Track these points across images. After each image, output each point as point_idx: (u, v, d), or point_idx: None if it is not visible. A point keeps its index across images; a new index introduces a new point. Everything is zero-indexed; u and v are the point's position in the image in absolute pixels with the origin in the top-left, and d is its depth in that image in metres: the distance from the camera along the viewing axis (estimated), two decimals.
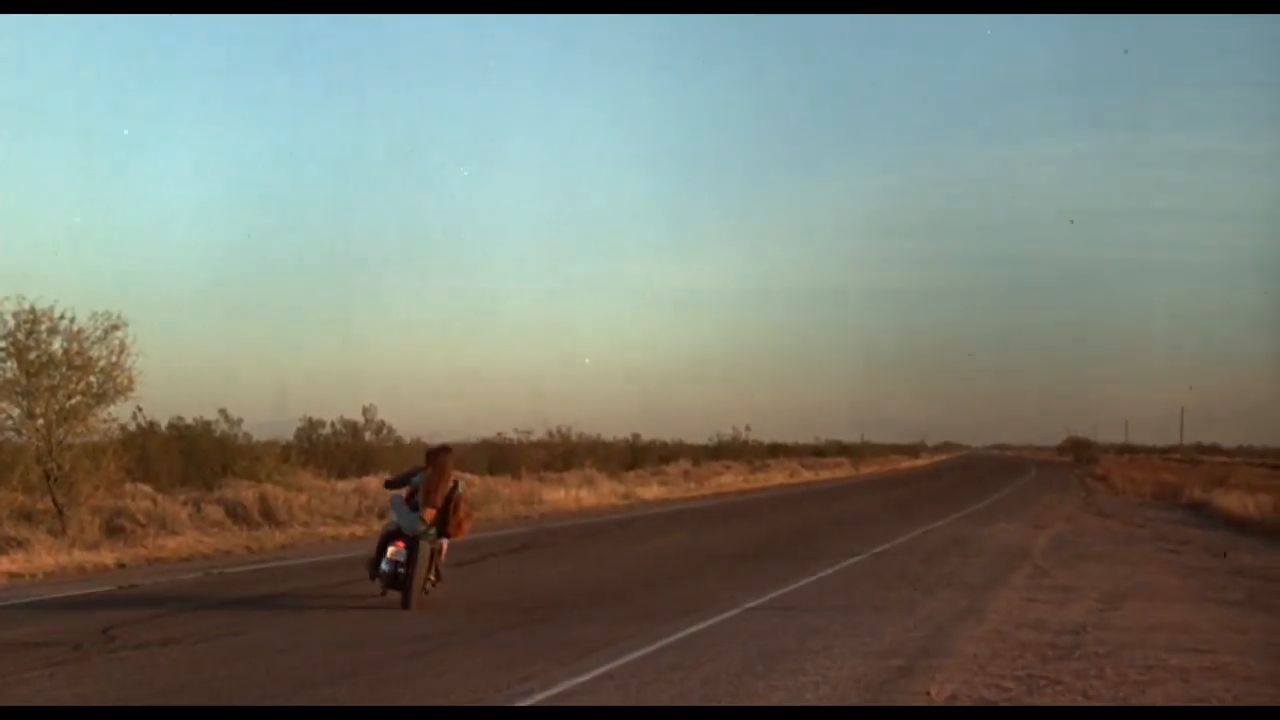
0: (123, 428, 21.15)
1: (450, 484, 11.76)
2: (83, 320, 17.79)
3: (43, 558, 15.40)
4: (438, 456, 12.02)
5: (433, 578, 11.74)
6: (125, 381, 17.91)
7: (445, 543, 11.87)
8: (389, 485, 12.82)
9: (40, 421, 17.39)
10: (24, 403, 17.33)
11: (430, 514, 11.45)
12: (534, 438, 44.50)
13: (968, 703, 7.37)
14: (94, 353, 17.73)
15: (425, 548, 11.45)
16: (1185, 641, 9.72)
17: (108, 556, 16.01)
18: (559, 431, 46.53)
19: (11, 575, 14.20)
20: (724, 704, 7.31)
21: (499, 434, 44.50)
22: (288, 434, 33.75)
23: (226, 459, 25.51)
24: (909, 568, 14.99)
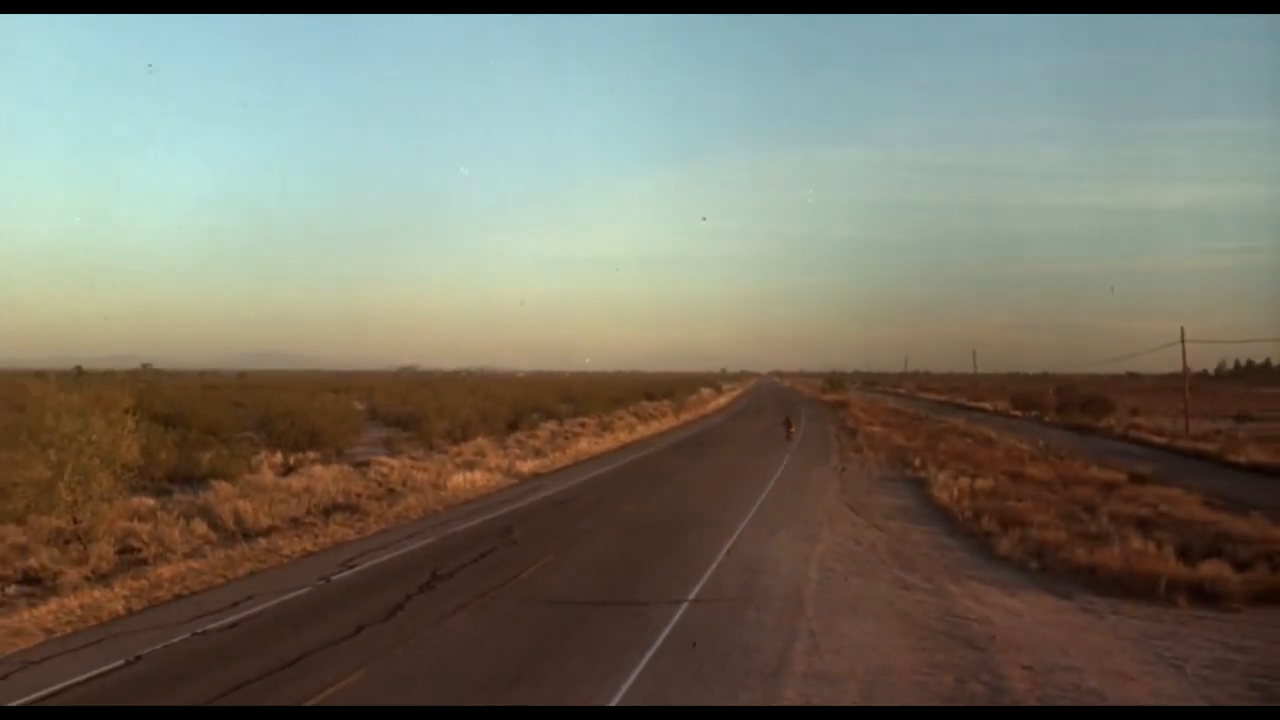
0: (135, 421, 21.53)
1: (790, 421, 61.16)
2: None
3: (69, 600, 17.04)
4: (788, 423, 59.79)
5: (791, 440, 54.64)
6: (130, 456, 19.12)
7: (795, 431, 58.32)
8: (785, 424, 59.75)
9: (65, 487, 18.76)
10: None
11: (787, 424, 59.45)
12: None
13: None
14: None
15: (786, 431, 57.34)
16: None
17: (118, 595, 17.59)
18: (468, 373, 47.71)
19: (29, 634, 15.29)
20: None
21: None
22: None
23: (209, 444, 26.95)
24: (718, 641, 14.62)
